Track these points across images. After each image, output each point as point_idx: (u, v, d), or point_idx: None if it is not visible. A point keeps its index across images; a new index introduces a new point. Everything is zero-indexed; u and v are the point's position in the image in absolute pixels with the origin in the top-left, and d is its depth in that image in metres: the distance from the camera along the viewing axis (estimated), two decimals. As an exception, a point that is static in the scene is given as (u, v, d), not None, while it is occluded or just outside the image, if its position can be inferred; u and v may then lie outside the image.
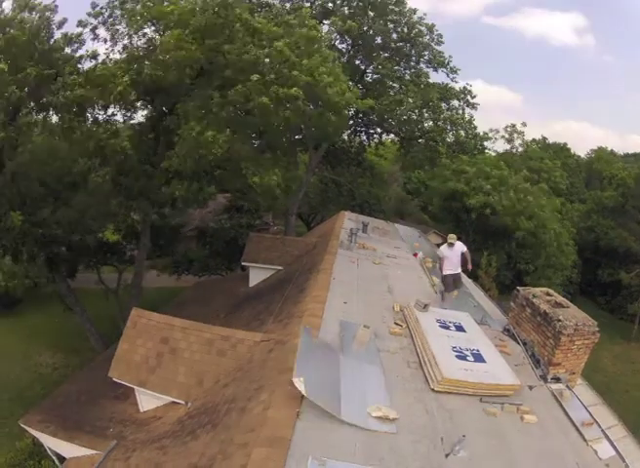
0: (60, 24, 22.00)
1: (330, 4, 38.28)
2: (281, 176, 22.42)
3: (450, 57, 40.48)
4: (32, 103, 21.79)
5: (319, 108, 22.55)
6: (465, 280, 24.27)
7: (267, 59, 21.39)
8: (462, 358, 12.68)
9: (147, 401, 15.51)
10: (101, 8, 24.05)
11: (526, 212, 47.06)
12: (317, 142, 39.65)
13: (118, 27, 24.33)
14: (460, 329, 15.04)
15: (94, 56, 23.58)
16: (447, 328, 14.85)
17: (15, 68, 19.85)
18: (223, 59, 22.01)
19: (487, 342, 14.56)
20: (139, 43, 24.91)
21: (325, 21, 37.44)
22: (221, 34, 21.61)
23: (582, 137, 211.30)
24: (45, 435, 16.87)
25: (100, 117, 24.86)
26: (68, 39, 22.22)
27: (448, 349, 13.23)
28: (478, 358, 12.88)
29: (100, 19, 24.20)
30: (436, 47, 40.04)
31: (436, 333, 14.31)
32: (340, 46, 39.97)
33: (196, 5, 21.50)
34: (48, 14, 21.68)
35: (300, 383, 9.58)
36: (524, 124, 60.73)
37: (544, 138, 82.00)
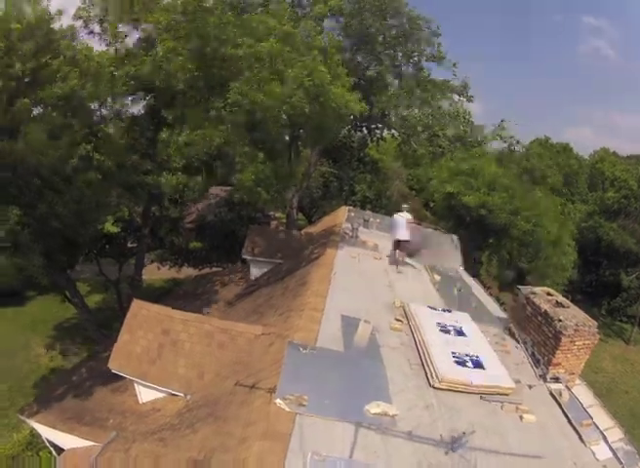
0: (59, 15, 21.76)
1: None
2: (271, 174, 22.20)
3: (445, 52, 40.33)
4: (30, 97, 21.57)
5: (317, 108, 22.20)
6: (467, 278, 24.30)
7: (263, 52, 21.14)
8: (461, 363, 12.64)
9: (147, 392, 15.48)
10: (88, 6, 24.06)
11: (522, 211, 46.95)
12: (314, 144, 39.45)
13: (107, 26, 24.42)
14: (459, 333, 15.01)
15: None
16: (447, 331, 14.81)
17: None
18: (218, 60, 21.88)
19: (484, 343, 14.58)
20: (131, 42, 25.01)
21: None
22: (212, 36, 21.47)
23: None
24: (43, 426, 16.89)
25: (97, 112, 24.85)
26: (62, 33, 21.99)
27: (446, 351, 13.22)
28: (476, 363, 12.86)
29: (91, 14, 24.20)
30: (434, 39, 39.77)
31: (435, 335, 14.28)
32: (342, 42, 39.71)
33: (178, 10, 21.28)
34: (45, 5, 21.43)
35: (282, 404, 9.59)
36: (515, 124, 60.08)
37: (547, 138, 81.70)
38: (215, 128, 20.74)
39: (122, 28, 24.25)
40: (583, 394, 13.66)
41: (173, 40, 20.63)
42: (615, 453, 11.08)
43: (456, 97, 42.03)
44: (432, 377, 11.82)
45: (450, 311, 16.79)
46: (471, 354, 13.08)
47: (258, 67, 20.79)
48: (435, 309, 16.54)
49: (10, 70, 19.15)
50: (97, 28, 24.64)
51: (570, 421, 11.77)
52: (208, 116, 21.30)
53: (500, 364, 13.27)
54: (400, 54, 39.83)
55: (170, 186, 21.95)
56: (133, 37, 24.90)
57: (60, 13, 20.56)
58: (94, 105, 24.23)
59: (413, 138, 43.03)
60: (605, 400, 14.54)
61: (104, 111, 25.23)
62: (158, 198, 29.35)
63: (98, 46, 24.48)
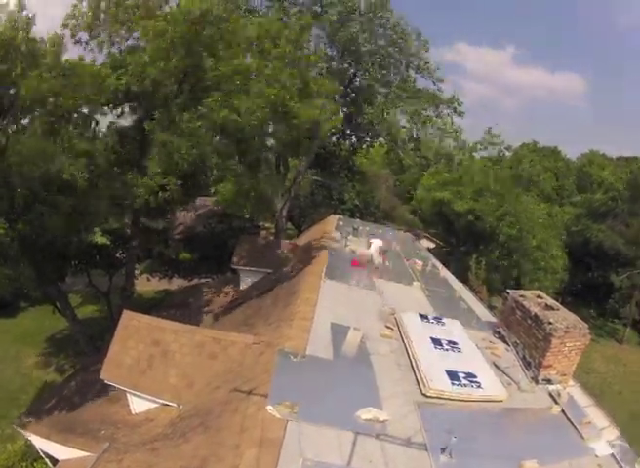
0: (29, 23, 21.36)
1: (318, 8, 37.96)
2: (251, 186, 22.05)
3: (436, 65, 40.29)
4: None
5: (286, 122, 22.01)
6: (456, 283, 24.35)
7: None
8: (453, 375, 12.72)
9: (139, 403, 15.50)
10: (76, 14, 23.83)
11: (507, 217, 47.15)
12: (292, 156, 39.33)
13: (98, 31, 24.22)
14: (450, 342, 15.09)
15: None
16: (439, 343, 14.85)
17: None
18: (202, 71, 21.79)
19: (473, 349, 14.65)
20: (121, 48, 24.86)
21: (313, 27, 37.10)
22: (200, 46, 21.35)
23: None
24: (37, 437, 16.82)
25: (81, 121, 24.64)
26: (48, 42, 21.71)
27: (436, 360, 13.27)
28: (468, 374, 12.91)
29: (79, 21, 23.95)
30: (423, 53, 39.78)
31: (425, 344, 14.32)
32: (329, 51, 39.60)
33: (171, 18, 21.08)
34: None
35: (274, 411, 9.65)
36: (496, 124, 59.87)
37: (535, 142, 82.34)
38: (187, 139, 20.69)
39: (113, 37, 24.08)
40: (578, 395, 13.79)
41: (164, 43, 20.46)
42: (613, 451, 11.25)
43: (444, 111, 42.04)
44: (423, 385, 11.87)
45: (440, 319, 16.82)
46: (462, 368, 13.09)
47: (232, 81, 20.76)
48: (425, 317, 16.57)
49: None
50: (84, 37, 24.42)
51: (569, 420, 11.87)
52: (183, 126, 21.24)
53: (492, 373, 13.32)
54: (387, 63, 39.88)
55: (146, 188, 21.81)
56: (120, 45, 24.82)
57: (28, 19, 20.32)
58: (80, 115, 24.14)
59: (399, 147, 43.04)
60: (598, 400, 14.66)
61: (92, 120, 25.15)
62: (145, 208, 29.29)
63: (85, 55, 24.36)
